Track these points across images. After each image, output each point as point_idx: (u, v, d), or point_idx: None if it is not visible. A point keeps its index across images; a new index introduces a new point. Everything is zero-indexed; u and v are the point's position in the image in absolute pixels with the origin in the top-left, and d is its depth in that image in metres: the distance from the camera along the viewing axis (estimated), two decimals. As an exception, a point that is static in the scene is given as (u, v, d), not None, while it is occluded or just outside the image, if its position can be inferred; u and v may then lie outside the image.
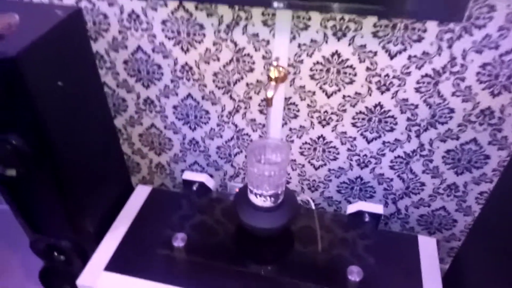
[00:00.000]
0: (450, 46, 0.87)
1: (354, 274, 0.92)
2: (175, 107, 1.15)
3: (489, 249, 0.91)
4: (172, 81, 1.09)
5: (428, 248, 1.04)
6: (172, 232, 1.01)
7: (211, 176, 1.30)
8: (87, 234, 1.07)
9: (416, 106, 0.98)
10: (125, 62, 1.08)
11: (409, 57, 0.90)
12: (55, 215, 1.05)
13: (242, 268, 0.95)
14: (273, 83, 0.76)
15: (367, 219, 1.06)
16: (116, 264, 0.99)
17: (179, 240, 0.99)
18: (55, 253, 1.11)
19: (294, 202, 0.97)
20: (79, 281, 0.96)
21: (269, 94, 0.75)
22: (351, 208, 1.07)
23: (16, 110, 0.80)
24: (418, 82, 0.94)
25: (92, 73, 1.00)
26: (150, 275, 0.95)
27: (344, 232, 1.04)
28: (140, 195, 1.17)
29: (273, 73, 0.75)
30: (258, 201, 0.92)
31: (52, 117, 0.84)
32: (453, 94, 0.94)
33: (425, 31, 0.86)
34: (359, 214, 1.07)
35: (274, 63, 0.75)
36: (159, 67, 1.07)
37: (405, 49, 0.89)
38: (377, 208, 1.05)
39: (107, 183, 1.15)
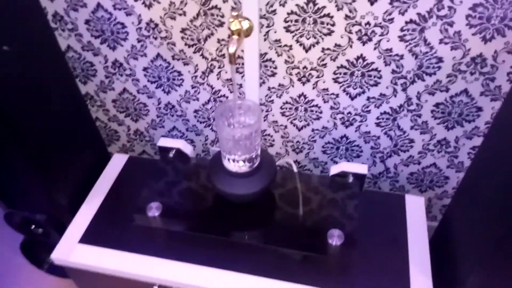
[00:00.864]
0: (436, -14, 0.78)
1: (335, 237, 0.87)
2: (145, 69, 1.07)
3: (477, 205, 0.86)
4: (138, 40, 1.01)
5: (416, 207, 1.00)
6: (147, 202, 0.97)
7: (192, 141, 1.25)
8: (62, 207, 1.03)
9: (401, 57, 0.90)
10: (87, 22, 1.00)
11: (391, 1, 0.81)
12: (28, 188, 1.01)
13: (219, 236, 0.92)
14: (235, 36, 0.68)
15: (351, 180, 1.00)
16: (91, 236, 0.95)
17: (153, 210, 0.95)
18: (33, 226, 1.08)
19: (271, 166, 0.92)
20: (54, 255, 0.94)
21: (231, 49, 0.67)
22: (334, 169, 1.01)
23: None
24: (402, 30, 0.85)
25: (46, 35, 0.92)
26: (125, 246, 0.92)
27: (327, 195, 0.99)
28: (116, 164, 1.12)
29: (234, 25, 0.67)
30: (233, 166, 0.87)
31: (3, 86, 0.78)
32: (441, 41, 0.85)
33: (407, -30, 0.76)
34: (343, 175, 1.01)
35: (234, 13, 0.67)
36: (123, 25, 0.98)
37: (386, -8, 0.80)
38: (361, 168, 1.00)
39: (81, 153, 1.10)
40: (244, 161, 0.86)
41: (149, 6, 0.93)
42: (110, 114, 1.23)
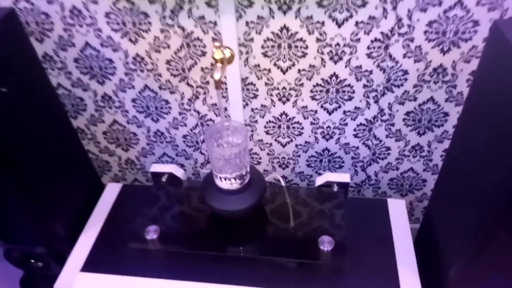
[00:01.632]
0: (394, 8, 0.87)
1: (326, 243, 0.93)
2: (134, 100, 1.13)
3: (452, 202, 0.93)
4: (126, 74, 1.07)
5: (398, 210, 1.06)
6: (145, 226, 1.01)
7: (182, 165, 1.30)
8: (61, 238, 1.07)
9: (371, 72, 0.98)
10: (76, 60, 1.06)
11: (356, 23, 0.90)
12: (24, 222, 1.04)
13: (216, 252, 0.96)
14: (219, 64, 0.75)
15: (335, 189, 1.07)
16: (92, 264, 0.98)
17: (152, 233, 0.99)
18: (32, 261, 1.11)
19: (261, 181, 0.98)
20: (57, 285, 0.96)
21: (216, 76, 0.74)
22: (319, 180, 1.08)
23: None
24: (368, 48, 0.94)
25: (39, 75, 0.98)
26: (126, 271, 0.96)
27: (314, 205, 1.05)
28: (110, 193, 1.16)
29: (218, 54, 0.74)
30: (224, 184, 0.92)
31: (1, 124, 0.83)
32: (405, 55, 0.94)
33: (368, -5, 0.86)
34: (328, 185, 1.08)
35: (217, 44, 0.74)
36: (111, 61, 1.05)
37: (351, 16, 0.89)
38: (344, 177, 1.06)
39: (75, 184, 1.13)
40: (235, 179, 0.91)
41: (135, 42, 1.00)
42: (101, 145, 1.28)
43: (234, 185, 0.93)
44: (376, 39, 0.92)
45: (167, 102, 1.12)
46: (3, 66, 0.83)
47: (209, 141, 0.87)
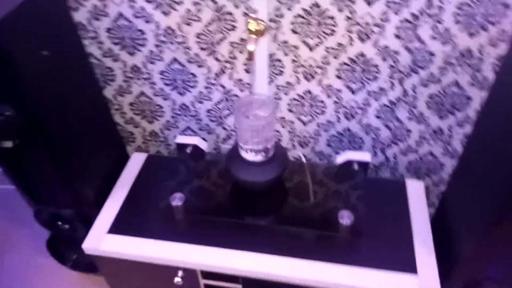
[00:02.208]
0: (426, -11, 0.88)
1: (345, 218, 0.96)
2: (162, 72, 1.16)
3: (471, 189, 0.95)
4: (156, 46, 1.10)
5: (416, 191, 1.09)
6: (170, 193, 1.05)
7: (204, 139, 1.33)
8: (87, 202, 1.11)
9: (397, 53, 0.99)
10: (108, 30, 1.09)
11: (387, 3, 0.91)
12: (54, 185, 1.08)
13: (238, 220, 1.00)
14: (253, 36, 0.78)
15: (356, 167, 1.09)
16: (118, 227, 1.03)
17: (177, 200, 1.03)
18: (59, 223, 1.15)
19: (284, 156, 1.01)
20: (85, 245, 1.01)
21: (250, 47, 0.76)
22: (340, 159, 1.10)
23: (3, 82, 0.81)
24: (397, 28, 0.95)
25: (75, 43, 1.01)
26: (152, 234, 1.00)
27: (334, 182, 1.08)
28: (136, 162, 1.20)
29: (253, 26, 0.77)
30: (249, 156, 0.95)
31: (38, 87, 0.86)
32: (432, 37, 0.95)
33: (400, -26, 0.87)
34: (348, 164, 1.10)
35: (253, 15, 0.76)
36: (142, 32, 1.07)
37: (382, -5, 0.90)
38: (364, 156, 1.09)
39: (102, 152, 1.18)
40: (260, 151, 0.94)
41: (167, 14, 1.02)
42: (127, 116, 1.31)
43: (259, 157, 0.96)
44: (405, 20, 0.93)
45: (194, 75, 1.15)
46: (44, 30, 0.87)
47: (238, 112, 0.89)
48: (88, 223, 1.11)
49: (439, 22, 0.92)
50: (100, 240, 1.01)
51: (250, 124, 0.88)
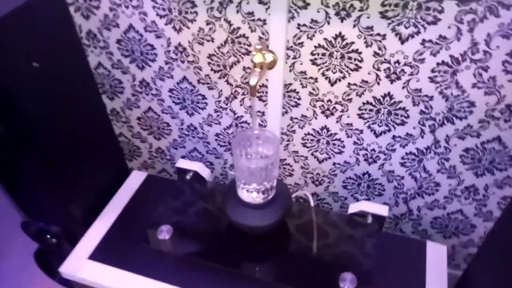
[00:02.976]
0: (471, 30, 0.74)
1: (347, 282, 0.83)
2: (171, 90, 1.08)
3: (505, 258, 0.80)
4: (166, 62, 1.02)
5: (437, 256, 0.94)
6: (159, 224, 0.96)
7: (211, 164, 1.24)
8: (76, 220, 1.04)
9: (431, 98, 0.86)
10: (118, 41, 1.02)
11: (423, 42, 0.78)
12: (45, 200, 1.02)
13: (226, 267, 0.89)
14: (257, 69, 0.67)
15: (370, 220, 0.96)
16: (100, 253, 0.95)
17: (164, 233, 0.94)
18: (48, 236, 1.10)
19: (287, 199, 0.90)
20: (63, 269, 0.94)
21: (252, 82, 0.66)
22: (353, 208, 0.98)
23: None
24: (433, 71, 0.82)
25: (75, 52, 0.95)
26: (133, 267, 0.91)
27: (343, 234, 0.95)
28: (134, 181, 1.13)
29: (257, 58, 0.67)
30: (246, 196, 0.85)
31: (28, 100, 0.80)
32: (474, 85, 0.81)
33: (441, 11, 0.74)
34: (362, 214, 0.97)
35: (258, 46, 0.66)
36: (152, 47, 1.00)
37: (418, 32, 0.78)
38: (382, 209, 0.95)
39: (100, 168, 1.11)
40: (258, 192, 0.84)
41: (179, 31, 0.94)
42: (134, 130, 1.25)
43: (257, 199, 0.85)
44: (443, 62, 0.80)
45: (204, 97, 1.06)
46: (39, 39, 0.81)
47: (236, 148, 0.79)
48: (75, 242, 1.05)
49: (484, 69, 0.78)
50: (80, 265, 0.93)
51: (249, 164, 0.78)
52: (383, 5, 0.76)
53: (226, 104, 1.05)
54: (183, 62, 1.00)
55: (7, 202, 1.07)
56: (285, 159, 1.12)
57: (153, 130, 1.22)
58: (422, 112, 0.89)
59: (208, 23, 0.90)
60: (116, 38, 1.02)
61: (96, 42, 1.04)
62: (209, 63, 0.98)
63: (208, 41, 0.94)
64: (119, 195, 1.09)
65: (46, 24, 0.82)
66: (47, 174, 0.94)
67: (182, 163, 1.08)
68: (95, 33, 1.02)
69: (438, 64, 0.81)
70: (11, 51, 0.74)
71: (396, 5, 0.75)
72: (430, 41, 0.78)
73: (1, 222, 1.50)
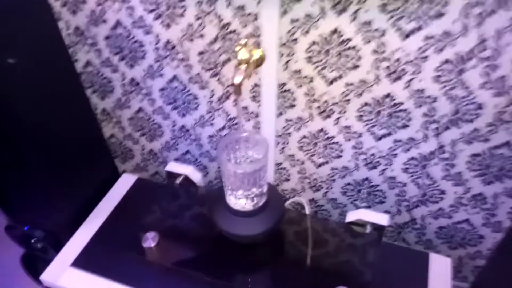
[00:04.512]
0: (479, 25, 0.68)
1: (342, 297, 0.77)
2: (161, 89, 1.03)
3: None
4: (156, 60, 0.97)
5: (441, 269, 0.87)
6: (145, 230, 0.91)
7: (205, 167, 1.19)
8: (61, 225, 1.00)
9: (435, 99, 0.80)
10: (107, 37, 0.98)
11: (426, 38, 0.72)
12: (30, 204, 0.98)
13: (215, 279, 0.84)
14: (242, 66, 0.62)
15: (368, 230, 0.90)
16: (83, 260, 0.90)
17: (149, 241, 0.89)
18: (32, 240, 1.05)
19: (279, 206, 0.84)
20: (44, 276, 0.89)
21: (236, 80, 0.61)
22: (351, 216, 0.91)
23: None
24: (437, 70, 0.76)
25: (58, 49, 0.90)
26: (116, 276, 0.86)
27: (339, 244, 0.89)
28: (123, 185, 1.08)
29: (242, 54, 0.61)
30: (235, 203, 0.80)
31: (4, 98, 0.76)
32: (482, 86, 0.75)
33: (446, 4, 0.68)
34: (361, 223, 0.91)
35: (242, 42, 0.61)
36: (141, 44, 0.95)
37: (420, 28, 0.71)
38: (381, 218, 0.89)
39: (89, 170, 1.07)
40: (247, 199, 0.78)
41: (167, 26, 0.89)
42: (126, 132, 1.20)
43: (246, 206, 0.80)
44: (447, 61, 0.74)
45: (195, 97, 1.01)
46: (15, 33, 0.76)
47: (223, 152, 0.74)
48: (60, 248, 1.01)
49: (493, 68, 0.72)
50: (61, 273, 0.89)
51: (235, 169, 0.73)
52: (382, -2, 0.70)
53: (219, 105, 1.00)
54: (173, 60, 0.95)
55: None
56: (281, 163, 1.07)
57: (145, 131, 1.17)
58: (425, 114, 0.83)
59: (197, 18, 0.85)
60: (104, 35, 0.97)
61: (84, 39, 1.00)
62: (199, 61, 0.93)
63: (197, 37, 0.89)
64: (107, 199, 1.04)
65: (26, 18, 0.78)
66: (32, 177, 0.90)
67: (172, 167, 1.03)
68: (83, 29, 0.98)
69: (442, 62, 0.74)
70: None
71: (396, -2, 0.69)
72: (434, 37, 0.72)
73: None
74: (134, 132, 1.19)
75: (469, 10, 0.67)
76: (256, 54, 0.64)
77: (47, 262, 1.03)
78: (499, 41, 0.69)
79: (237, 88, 0.61)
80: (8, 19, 0.74)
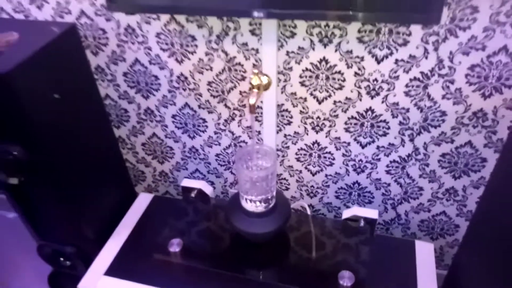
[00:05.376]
0: (436, 49, 0.87)
1: (345, 279, 0.92)
2: (174, 116, 1.18)
3: (484, 253, 0.89)
4: (169, 91, 1.13)
5: (425, 253, 1.03)
6: (169, 238, 1.04)
7: (212, 183, 1.33)
8: (90, 240, 1.11)
9: (407, 110, 0.98)
10: (125, 74, 1.13)
11: (396, 61, 0.91)
12: (58, 222, 1.10)
13: (234, 273, 0.97)
14: (255, 90, 0.78)
15: (362, 224, 1.05)
16: (115, 269, 1.02)
17: (175, 246, 1.01)
18: (61, 259, 1.16)
19: (286, 207, 0.98)
20: (81, 285, 1.00)
21: (251, 101, 0.77)
22: (346, 213, 1.07)
23: (13, 123, 0.85)
24: (407, 86, 0.94)
25: (89, 85, 1.05)
26: (147, 280, 0.98)
27: (339, 238, 1.04)
28: (142, 202, 1.21)
29: (255, 80, 0.77)
30: (249, 206, 0.94)
31: (48, 128, 0.89)
32: (444, 96, 0.93)
33: (409, 34, 0.86)
34: (355, 219, 1.06)
35: (255, 71, 0.77)
36: (156, 78, 1.11)
37: (391, 53, 0.90)
38: (372, 213, 1.05)
39: (110, 191, 1.19)
40: (260, 201, 0.93)
41: (181, 62, 1.05)
42: (139, 156, 1.34)
43: (259, 208, 0.94)
44: (415, 78, 0.92)
45: (204, 120, 1.16)
46: (59, 74, 0.91)
47: (239, 162, 0.89)
48: (89, 262, 1.11)
49: (451, 82, 0.90)
50: (96, 281, 1.00)
51: (250, 175, 0.87)
52: (359, 31, 0.88)
53: (225, 126, 1.16)
54: (184, 90, 1.11)
55: (18, 224, 1.12)
56: (281, 174, 1.22)
57: (157, 154, 1.31)
58: (401, 123, 1.00)
59: (207, 54, 1.02)
60: (123, 71, 1.12)
61: (104, 76, 1.15)
62: (208, 89, 1.09)
63: (207, 70, 1.05)
64: (129, 215, 1.17)
65: (64, 60, 0.92)
66: (62, 196, 1.02)
67: (187, 182, 1.17)
68: (103, 67, 1.13)
69: (411, 79, 0.92)
70: (35, 85, 0.84)
71: (371, 31, 0.87)
72: (402, 60, 0.90)
73: (13, 243, 1.55)
74: (146, 156, 1.33)
75: (428, 38, 0.86)
76: (265, 80, 0.80)
77: (75, 278, 1.13)
78: (453, 60, 0.87)
79: (252, 108, 0.77)
80: (52, 65, 0.88)
